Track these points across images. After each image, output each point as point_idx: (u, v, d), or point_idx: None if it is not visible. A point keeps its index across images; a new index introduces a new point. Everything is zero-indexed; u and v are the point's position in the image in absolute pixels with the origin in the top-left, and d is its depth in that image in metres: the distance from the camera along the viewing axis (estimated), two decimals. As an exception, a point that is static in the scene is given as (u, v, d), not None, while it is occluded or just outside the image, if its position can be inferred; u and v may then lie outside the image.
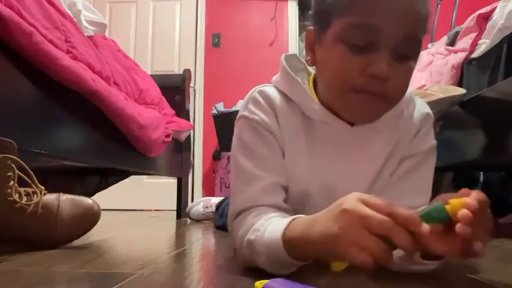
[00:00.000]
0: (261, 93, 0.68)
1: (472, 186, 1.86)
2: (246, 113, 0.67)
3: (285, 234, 0.52)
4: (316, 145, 0.66)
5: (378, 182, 0.66)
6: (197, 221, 1.75)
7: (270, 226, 0.56)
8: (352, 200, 0.45)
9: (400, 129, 0.67)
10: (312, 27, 0.65)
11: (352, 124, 0.65)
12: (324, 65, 0.63)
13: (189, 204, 1.89)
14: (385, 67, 0.55)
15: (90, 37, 1.22)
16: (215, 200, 1.70)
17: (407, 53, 0.57)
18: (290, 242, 0.51)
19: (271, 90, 0.68)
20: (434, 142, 0.69)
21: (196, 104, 3.48)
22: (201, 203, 1.75)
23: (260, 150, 0.65)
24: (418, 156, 0.67)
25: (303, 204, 0.66)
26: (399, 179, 0.66)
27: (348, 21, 0.56)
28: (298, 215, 0.55)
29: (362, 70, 0.56)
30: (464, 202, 0.42)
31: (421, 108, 0.69)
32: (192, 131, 2.54)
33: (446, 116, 1.33)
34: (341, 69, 0.58)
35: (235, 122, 0.69)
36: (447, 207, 0.43)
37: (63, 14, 1.06)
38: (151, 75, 1.87)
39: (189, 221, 1.80)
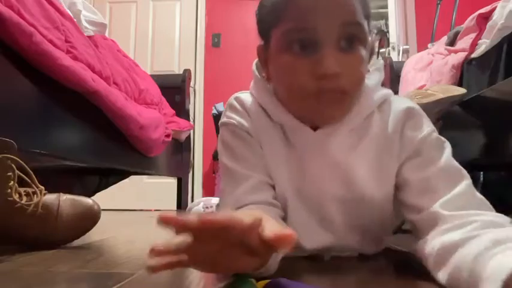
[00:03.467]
0: (237, 99, 0.70)
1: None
2: (225, 119, 0.69)
3: None
4: (289, 149, 0.66)
5: (381, 182, 0.64)
6: None
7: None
8: None
9: (373, 132, 0.64)
10: (260, 44, 0.65)
11: (315, 128, 0.63)
12: (276, 78, 0.63)
13: (189, 204, 1.87)
14: (333, 63, 0.54)
15: (90, 37, 1.23)
16: (215, 200, 1.69)
17: (351, 42, 0.56)
18: None
19: (246, 96, 0.70)
20: (429, 131, 0.63)
21: (196, 104, 3.48)
22: (201, 203, 1.74)
23: (243, 151, 0.66)
24: (419, 152, 0.62)
25: (284, 207, 0.65)
26: (416, 178, 0.61)
27: (283, 30, 0.57)
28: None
29: (311, 73, 0.55)
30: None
31: (399, 105, 0.66)
32: (192, 131, 2.54)
33: (447, 116, 1.33)
34: (291, 78, 0.58)
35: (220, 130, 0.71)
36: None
37: (63, 14, 1.06)
38: (151, 75, 1.87)
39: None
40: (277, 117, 0.66)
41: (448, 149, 0.62)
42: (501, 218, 0.51)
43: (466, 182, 0.59)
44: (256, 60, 0.70)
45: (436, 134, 0.64)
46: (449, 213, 0.53)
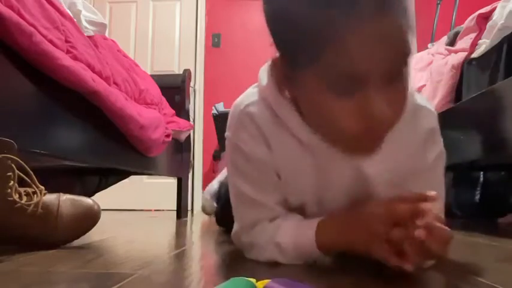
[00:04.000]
0: (248, 115, 0.63)
1: (472, 186, 1.86)
2: (235, 140, 0.65)
3: (317, 238, 0.59)
4: (310, 159, 0.63)
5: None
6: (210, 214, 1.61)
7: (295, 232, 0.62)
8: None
9: (408, 143, 0.62)
10: (276, 56, 0.56)
11: None
12: (309, 112, 0.56)
13: (203, 195, 1.69)
14: (381, 104, 0.47)
15: (90, 37, 1.22)
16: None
17: (398, 73, 0.49)
18: (323, 242, 0.60)
19: (258, 110, 0.63)
20: (440, 150, 0.67)
21: (196, 104, 3.48)
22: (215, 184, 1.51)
23: (255, 174, 0.65)
24: (427, 165, 0.65)
25: (298, 210, 0.68)
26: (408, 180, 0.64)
27: (326, 68, 0.47)
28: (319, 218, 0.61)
29: (358, 115, 0.48)
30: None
31: (425, 123, 0.64)
32: (192, 131, 2.54)
33: (447, 116, 1.33)
34: (331, 116, 0.50)
35: (226, 139, 0.68)
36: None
37: (63, 14, 1.06)
38: (151, 75, 1.87)
39: (189, 221, 1.80)
40: (301, 135, 0.60)
41: (443, 164, 0.68)
42: None
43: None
44: (268, 63, 0.60)
45: (442, 151, 0.68)
46: None
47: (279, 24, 0.51)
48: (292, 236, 0.62)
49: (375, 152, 0.54)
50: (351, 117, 0.49)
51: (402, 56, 0.48)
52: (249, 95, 0.66)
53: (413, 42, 0.50)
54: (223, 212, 1.04)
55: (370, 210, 0.54)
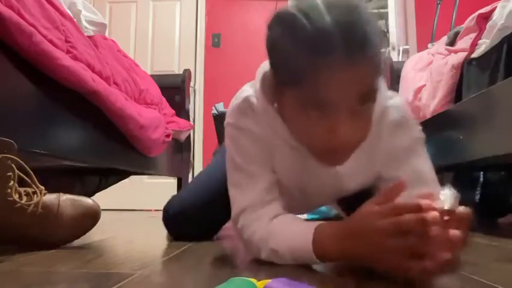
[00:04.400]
0: (247, 101, 0.73)
1: (472, 186, 1.86)
2: (236, 123, 0.74)
3: (315, 245, 0.61)
4: (295, 153, 0.72)
5: (365, 178, 0.76)
6: None
7: (292, 235, 0.64)
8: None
9: (375, 136, 0.69)
10: (268, 70, 0.67)
11: None
12: (288, 117, 0.66)
13: None
14: (346, 132, 0.57)
15: (90, 37, 1.23)
16: None
17: (363, 103, 0.59)
18: (322, 254, 0.61)
19: (254, 98, 0.73)
20: (414, 137, 0.74)
21: (196, 104, 3.48)
22: None
23: (255, 152, 0.73)
24: (400, 151, 0.73)
25: (283, 193, 0.76)
26: (396, 170, 0.72)
27: (301, 93, 0.58)
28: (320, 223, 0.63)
29: (326, 138, 0.59)
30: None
31: (395, 116, 0.73)
32: (192, 131, 2.54)
33: (447, 115, 1.33)
34: (306, 132, 0.62)
35: (226, 126, 0.76)
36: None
37: (63, 14, 1.06)
38: (151, 75, 1.87)
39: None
40: (288, 140, 0.70)
41: (424, 149, 0.74)
42: None
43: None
44: (262, 70, 0.72)
45: (418, 141, 0.75)
46: None
47: (274, 51, 0.63)
48: (288, 245, 0.64)
49: (343, 163, 0.65)
50: (321, 137, 0.59)
51: (366, 95, 0.58)
52: (248, 88, 0.75)
53: (380, 83, 0.63)
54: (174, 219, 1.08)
55: (374, 223, 0.53)
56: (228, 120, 0.76)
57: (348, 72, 0.55)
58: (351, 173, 0.74)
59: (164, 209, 1.10)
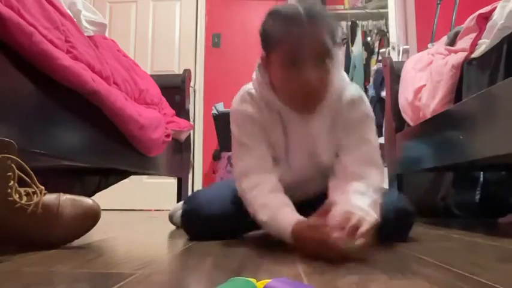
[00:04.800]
0: (248, 94, 0.99)
1: (472, 186, 1.86)
2: (240, 108, 0.99)
3: (292, 233, 0.83)
4: (282, 126, 0.97)
5: (330, 144, 0.98)
6: (180, 227, 1.35)
7: (279, 222, 0.86)
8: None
9: (337, 109, 0.97)
10: (263, 55, 0.95)
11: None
12: (276, 82, 0.94)
13: (172, 207, 1.49)
14: (312, 79, 0.86)
15: (90, 37, 1.23)
16: None
17: (322, 61, 0.87)
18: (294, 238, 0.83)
19: (253, 90, 0.99)
20: (364, 112, 0.99)
21: (196, 104, 3.48)
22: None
23: (253, 130, 0.97)
24: (353, 122, 0.97)
25: (279, 159, 0.99)
26: (348, 137, 0.97)
27: (280, 55, 0.88)
28: (298, 220, 0.84)
29: (299, 85, 0.87)
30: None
31: (352, 93, 0.99)
32: (192, 131, 2.54)
33: (447, 115, 1.33)
34: (285, 82, 0.90)
35: (230, 113, 1.02)
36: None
37: (63, 14, 1.06)
38: (151, 75, 1.87)
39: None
40: (275, 106, 0.96)
41: (372, 127, 1.00)
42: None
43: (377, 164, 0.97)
44: (258, 62, 0.98)
45: (369, 116, 0.99)
46: (352, 170, 0.92)
47: (264, 31, 0.92)
48: (276, 225, 0.87)
49: (314, 111, 0.94)
50: (296, 85, 0.87)
51: (325, 53, 0.87)
52: (247, 85, 1.01)
53: (336, 50, 0.91)
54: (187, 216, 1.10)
55: (307, 232, 0.79)
56: (231, 108, 1.01)
57: (310, 37, 0.85)
58: (320, 133, 0.97)
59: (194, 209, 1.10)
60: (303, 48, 0.85)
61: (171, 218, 1.45)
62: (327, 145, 0.98)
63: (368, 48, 3.49)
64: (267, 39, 0.91)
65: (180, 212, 1.44)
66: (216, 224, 1.03)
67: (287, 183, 0.96)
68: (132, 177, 2.08)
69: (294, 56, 0.85)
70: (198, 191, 1.19)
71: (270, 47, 0.90)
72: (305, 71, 0.85)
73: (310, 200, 1.02)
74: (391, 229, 0.92)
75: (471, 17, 1.33)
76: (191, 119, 2.72)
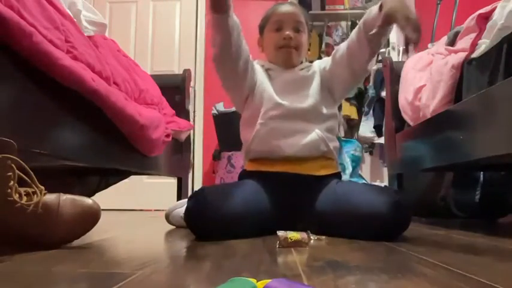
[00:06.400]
0: (256, 61, 1.39)
1: (472, 186, 1.86)
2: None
3: None
4: (270, 80, 1.34)
5: (322, 91, 1.34)
6: (177, 227, 1.44)
7: None
8: None
9: (313, 70, 1.37)
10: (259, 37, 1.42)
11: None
12: (266, 45, 1.38)
13: (169, 206, 1.52)
14: (290, 33, 1.31)
15: (90, 37, 1.22)
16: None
17: (298, 30, 1.33)
18: None
19: (257, 62, 1.40)
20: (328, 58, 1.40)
21: (196, 104, 3.48)
22: (184, 207, 1.38)
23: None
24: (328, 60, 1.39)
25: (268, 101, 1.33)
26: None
27: (270, 26, 1.35)
28: None
29: (280, 37, 1.32)
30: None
31: (320, 62, 1.41)
32: (192, 131, 2.54)
33: (447, 115, 1.33)
34: (272, 41, 1.35)
35: None
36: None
37: (63, 14, 1.06)
38: (151, 75, 1.87)
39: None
40: (267, 66, 1.37)
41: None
42: None
43: None
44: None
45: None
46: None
47: (261, 22, 1.41)
48: None
49: (294, 63, 1.36)
50: (279, 39, 1.33)
51: (300, 25, 1.34)
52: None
53: (307, 31, 1.38)
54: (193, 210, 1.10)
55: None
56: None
57: (291, 13, 1.33)
58: (303, 80, 1.33)
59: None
60: (286, 18, 1.32)
61: (167, 217, 1.47)
62: (316, 89, 1.32)
63: (368, 48, 3.49)
64: (262, 22, 1.37)
65: (177, 211, 1.48)
66: (222, 221, 1.05)
67: (275, 115, 1.25)
68: (132, 177, 2.08)
69: (279, 23, 1.32)
70: (202, 187, 1.18)
71: (263, 24, 1.36)
72: (286, 30, 1.31)
73: (296, 205, 1.19)
74: (389, 225, 1.02)
75: (471, 17, 1.33)
76: (191, 119, 2.72)
